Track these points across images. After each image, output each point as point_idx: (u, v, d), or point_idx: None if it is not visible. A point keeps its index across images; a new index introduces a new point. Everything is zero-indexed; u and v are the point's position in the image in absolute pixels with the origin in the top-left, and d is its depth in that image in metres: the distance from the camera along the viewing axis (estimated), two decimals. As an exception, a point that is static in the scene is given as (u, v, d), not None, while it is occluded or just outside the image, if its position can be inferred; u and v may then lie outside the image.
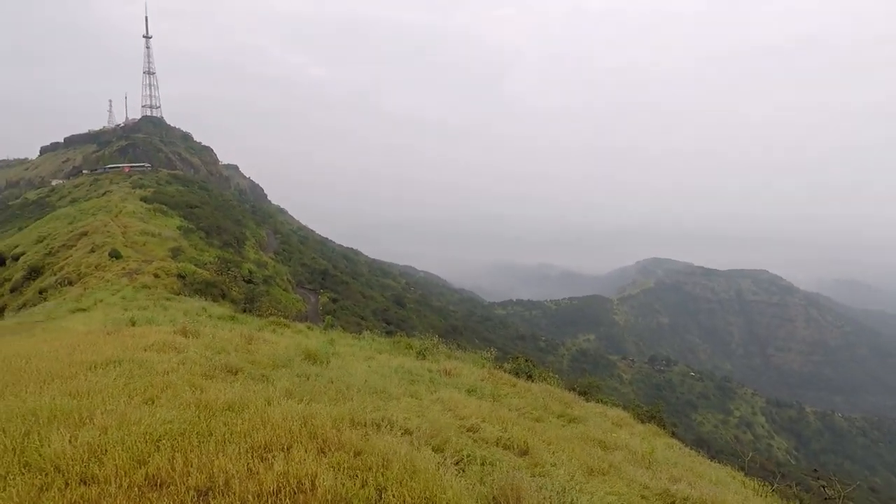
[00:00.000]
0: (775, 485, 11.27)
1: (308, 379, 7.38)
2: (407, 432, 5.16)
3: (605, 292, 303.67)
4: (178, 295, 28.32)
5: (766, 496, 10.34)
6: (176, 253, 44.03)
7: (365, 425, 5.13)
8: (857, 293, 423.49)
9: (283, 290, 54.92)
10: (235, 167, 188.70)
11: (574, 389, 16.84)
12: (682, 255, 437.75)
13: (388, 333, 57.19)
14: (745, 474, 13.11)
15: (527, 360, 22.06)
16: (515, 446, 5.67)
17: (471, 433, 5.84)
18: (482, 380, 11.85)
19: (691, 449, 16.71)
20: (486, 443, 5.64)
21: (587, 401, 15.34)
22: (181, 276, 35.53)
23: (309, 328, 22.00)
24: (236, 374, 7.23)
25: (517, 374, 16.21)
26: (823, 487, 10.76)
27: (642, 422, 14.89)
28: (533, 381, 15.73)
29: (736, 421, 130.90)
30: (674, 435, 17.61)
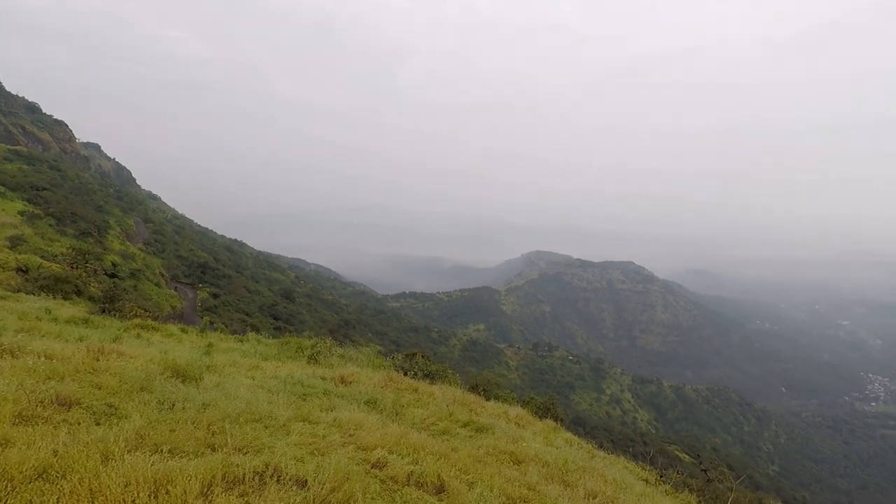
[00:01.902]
0: (663, 474, 11.89)
1: (173, 408, 5.90)
2: (300, 484, 4.07)
3: (494, 284, 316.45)
4: (16, 293, 23.59)
5: (657, 485, 10.83)
6: (16, 242, 37.04)
7: (244, 481, 3.90)
8: (703, 281, 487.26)
9: (155, 284, 49.02)
10: (97, 146, 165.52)
11: (475, 389, 16.59)
12: (562, 249, 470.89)
13: (277, 330, 53.68)
14: (618, 448, 13.68)
15: (424, 357, 21.51)
16: (429, 482, 4.85)
17: (377, 471, 4.90)
18: (382, 387, 10.96)
19: (583, 439, 17.37)
20: (396, 482, 4.77)
21: (488, 399, 15.17)
22: (22, 270, 29.83)
23: (183, 330, 19.39)
24: (71, 408, 5.54)
25: (416, 375, 15.55)
26: (705, 472, 11.56)
27: (540, 417, 15.05)
28: (434, 381, 15.17)
29: (607, 398, 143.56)
30: (560, 422, 18.13)
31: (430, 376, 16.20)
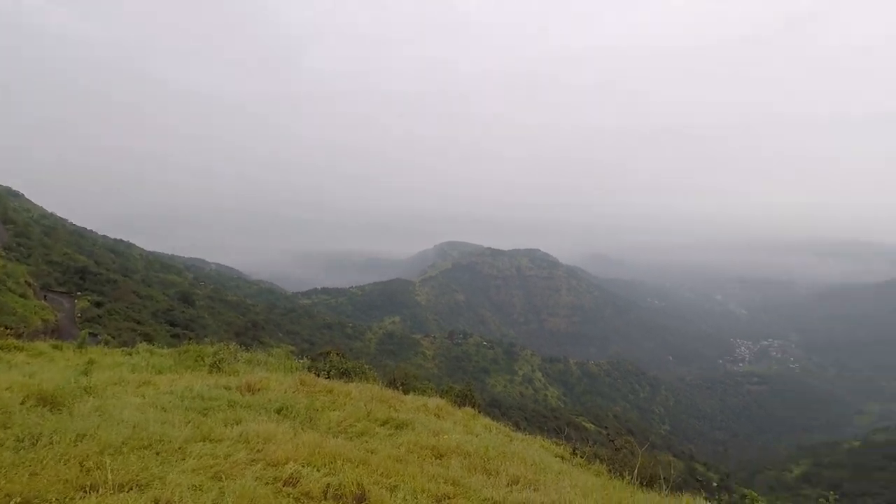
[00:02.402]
0: (576, 448, 12.46)
1: (36, 444, 4.96)
2: (198, 520, 3.55)
3: (408, 275, 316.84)
4: None
5: (571, 460, 11.30)
6: None
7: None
8: (603, 265, 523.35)
9: (20, 296, 42.95)
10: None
11: (393, 383, 16.31)
12: (473, 238, 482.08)
13: (175, 338, 49.43)
14: (532, 425, 14.17)
15: (339, 355, 20.86)
16: (348, 493, 4.49)
17: (290, 488, 4.45)
18: (294, 391, 10.32)
19: (501, 422, 17.78)
20: (312, 499, 4.35)
21: (406, 393, 14.96)
22: None
23: (57, 347, 17.10)
24: None
25: (331, 375, 14.96)
26: (612, 442, 12.31)
27: (459, 406, 15.14)
28: (350, 379, 14.67)
29: (520, 379, 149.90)
30: (478, 408, 18.44)
31: (346, 374, 15.67)
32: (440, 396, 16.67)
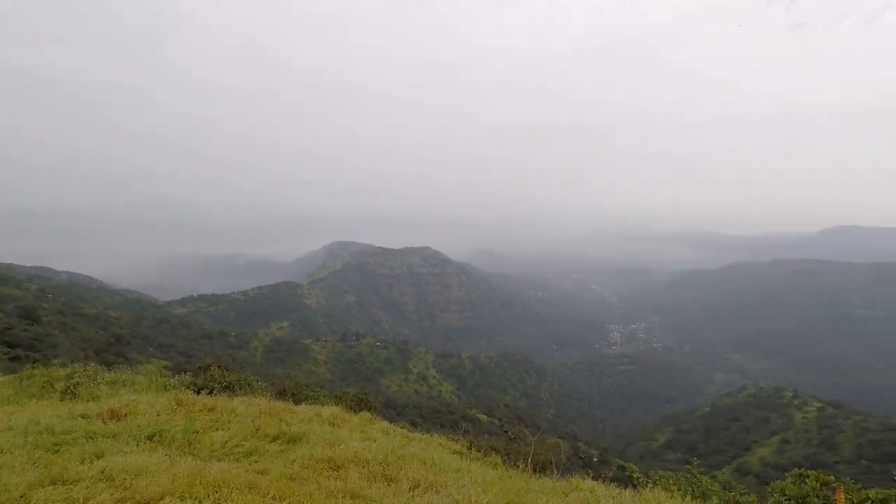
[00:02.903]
0: (472, 442, 12.77)
1: None
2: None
3: (297, 278, 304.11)
4: None
5: (468, 454, 11.54)
6: None
7: None
8: (490, 260, 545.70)
9: None
10: None
11: (283, 394, 15.48)
12: (364, 238, 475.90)
13: (15, 361, 42.52)
14: (428, 421, 14.36)
15: (221, 367, 19.34)
16: (236, 524, 4.11)
17: (165, 528, 3.95)
18: (169, 413, 9.30)
19: (398, 423, 17.69)
20: (194, 536, 3.91)
21: (298, 403, 14.26)
22: None
23: None
24: None
25: (213, 391, 13.77)
26: (506, 432, 12.78)
27: (355, 411, 14.77)
28: (235, 394, 13.62)
29: (415, 377, 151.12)
30: (374, 411, 18.27)
31: (229, 389, 14.54)
32: (335, 403, 16.16)
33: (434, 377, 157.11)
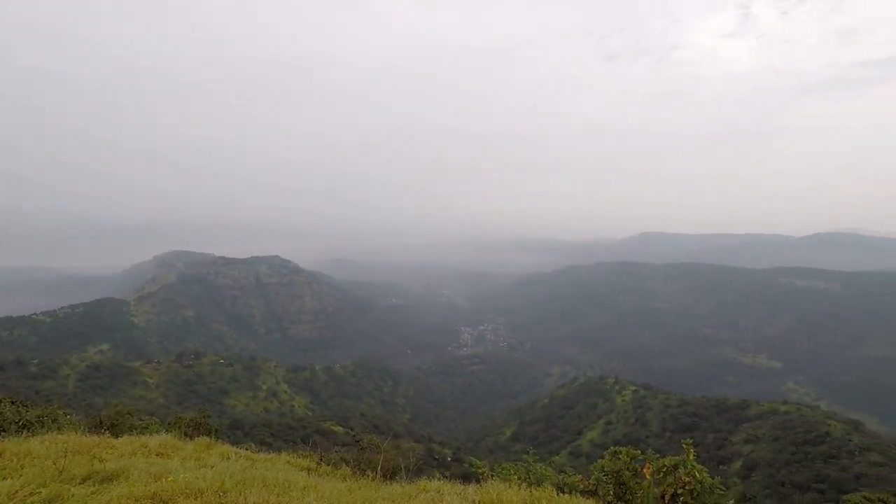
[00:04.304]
0: (322, 456, 12.41)
1: None
2: None
3: (120, 293, 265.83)
4: None
5: (318, 469, 11.18)
6: None
7: None
8: (344, 268, 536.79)
9: None
10: None
11: (99, 427, 13.40)
12: (202, 247, 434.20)
13: None
14: (279, 440, 13.77)
15: (15, 403, 16.19)
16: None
17: None
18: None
19: (243, 445, 16.42)
20: None
21: (118, 436, 12.43)
22: None
23: None
24: None
25: (4, 432, 11.38)
26: (358, 441, 12.67)
27: (191, 437, 13.36)
28: (33, 433, 11.41)
29: (264, 394, 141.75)
30: (215, 434, 16.85)
31: (27, 428, 12.18)
32: (166, 431, 14.49)
33: (286, 392, 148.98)
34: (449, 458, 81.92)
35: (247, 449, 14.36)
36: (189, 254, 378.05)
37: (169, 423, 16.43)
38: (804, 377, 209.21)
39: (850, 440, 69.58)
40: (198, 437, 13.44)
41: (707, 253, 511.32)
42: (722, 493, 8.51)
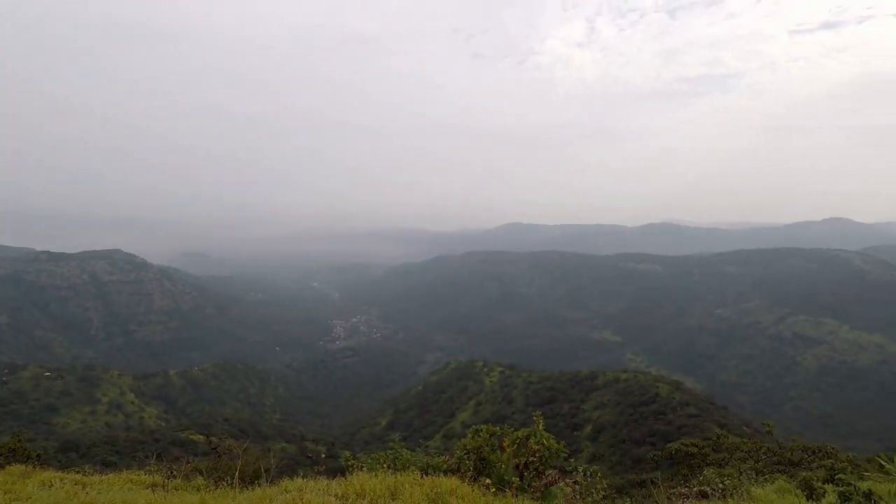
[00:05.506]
0: (173, 470, 11.30)
1: None
2: None
3: None
4: None
5: (166, 485, 10.15)
6: None
7: None
8: (201, 262, 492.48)
9: None
10: None
11: None
12: (18, 241, 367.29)
13: None
14: (125, 457, 12.43)
15: None
16: None
17: None
18: None
19: (75, 468, 14.28)
20: None
21: None
22: None
23: None
24: None
25: None
26: (214, 449, 11.76)
27: (1, 466, 11.22)
28: None
29: (105, 408, 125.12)
30: (36, 460, 14.61)
31: None
32: (-35, 463, 12.05)
33: (133, 403, 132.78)
34: (323, 455, 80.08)
35: (78, 472, 12.55)
36: (1, 248, 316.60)
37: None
38: (639, 347, 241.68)
39: (673, 398, 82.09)
40: (9, 465, 11.42)
41: (563, 241, 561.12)
42: (566, 455, 9.50)
